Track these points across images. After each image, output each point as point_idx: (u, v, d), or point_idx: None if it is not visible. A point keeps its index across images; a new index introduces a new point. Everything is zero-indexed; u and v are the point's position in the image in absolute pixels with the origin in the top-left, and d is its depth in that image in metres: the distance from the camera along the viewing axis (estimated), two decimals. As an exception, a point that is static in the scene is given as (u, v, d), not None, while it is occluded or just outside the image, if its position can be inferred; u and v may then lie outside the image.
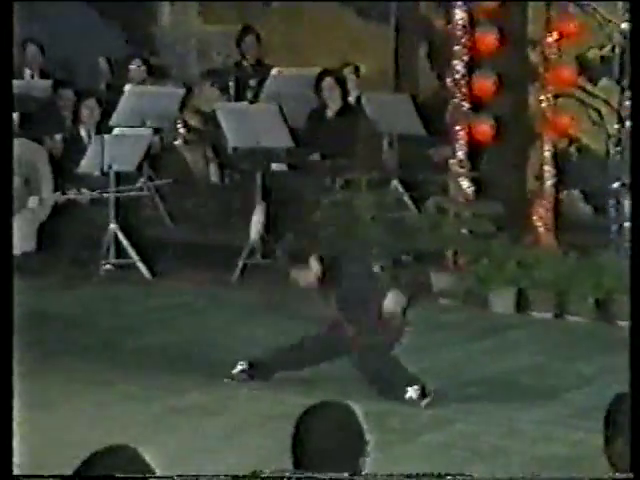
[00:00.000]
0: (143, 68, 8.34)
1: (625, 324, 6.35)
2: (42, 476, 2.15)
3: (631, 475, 2.47)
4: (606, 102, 6.91)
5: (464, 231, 7.05)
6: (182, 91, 8.12)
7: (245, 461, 3.85)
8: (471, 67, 7.12)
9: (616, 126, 6.85)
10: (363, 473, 2.47)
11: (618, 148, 6.82)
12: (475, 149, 7.20)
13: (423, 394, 5.09)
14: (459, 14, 7.10)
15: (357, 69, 8.19)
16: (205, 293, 6.88)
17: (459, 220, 7.07)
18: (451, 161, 7.25)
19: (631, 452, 2.55)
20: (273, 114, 7.45)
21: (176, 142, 8.20)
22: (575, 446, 4.61)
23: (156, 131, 7.89)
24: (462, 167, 7.20)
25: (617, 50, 6.83)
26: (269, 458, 3.52)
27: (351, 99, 8.04)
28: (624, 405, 2.63)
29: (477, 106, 7.18)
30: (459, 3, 7.09)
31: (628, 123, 6.76)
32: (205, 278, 7.10)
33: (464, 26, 7.09)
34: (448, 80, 7.24)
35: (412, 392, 5.09)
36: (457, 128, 7.17)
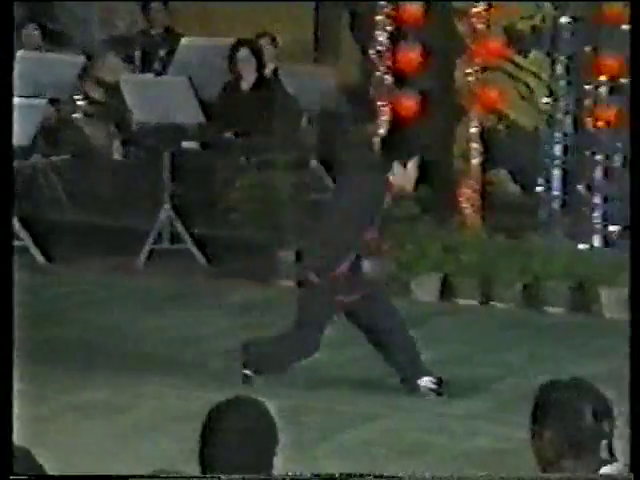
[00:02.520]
0: (38, 33, 8.13)
1: (554, 310, 6.45)
2: (42, 476, 2.10)
3: (631, 475, 2.45)
4: (536, 75, 6.96)
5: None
6: (82, 59, 7.93)
7: (148, 462, 3.77)
8: (395, 38, 7.12)
9: (546, 100, 6.92)
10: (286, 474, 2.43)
11: (548, 124, 6.88)
12: (399, 126, 7.20)
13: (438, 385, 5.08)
14: (381, -19, 7.08)
15: (274, 40, 8.12)
16: (107, 281, 6.75)
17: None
18: (375, 139, 7.24)
19: (631, 452, 2.56)
20: (183, 87, 7.34)
21: (75, 115, 8.02)
22: (500, 440, 4.64)
23: (52, 102, 7.69)
24: (386, 145, 7.20)
25: (548, 20, 6.89)
26: (175, 459, 3.44)
27: (268, 72, 7.97)
28: (550, 395, 2.63)
29: (401, 80, 7.18)
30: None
31: (559, 95, 6.82)
32: (107, 265, 6.96)
33: (387, -6, 7.08)
34: (371, 52, 7.23)
35: (427, 382, 5.07)
36: (380, 103, 7.16)
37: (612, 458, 2.59)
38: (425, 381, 5.10)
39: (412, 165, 5.28)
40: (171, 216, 7.31)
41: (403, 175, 5.27)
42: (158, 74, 7.87)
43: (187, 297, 6.59)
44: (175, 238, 7.29)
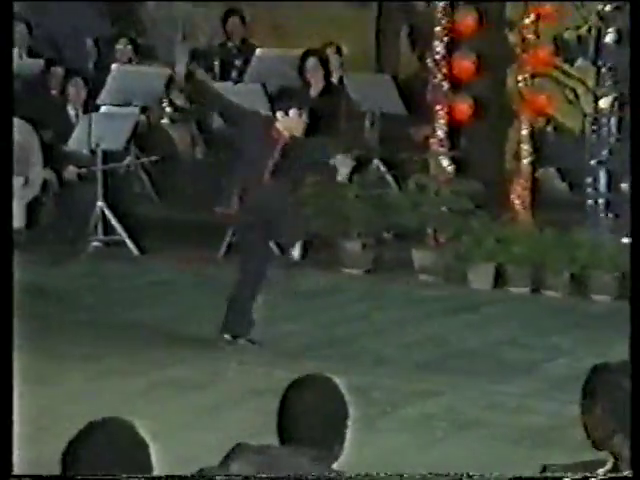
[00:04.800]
0: (130, 48, 8.26)
1: (600, 298, 6.41)
2: (42, 476, 2.11)
3: (631, 475, 2.42)
4: (582, 82, 6.91)
5: (444, 209, 7.05)
6: (168, 71, 8.05)
7: (231, 435, 3.84)
8: (451, 48, 7.10)
9: (592, 105, 6.86)
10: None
11: (594, 127, 6.82)
12: (455, 128, 7.19)
13: None
14: (439, -5, 7.07)
15: (339, 50, 8.15)
16: (191, 270, 6.86)
17: (439, 198, 7.07)
18: (431, 140, 7.24)
19: (631, 452, 2.51)
20: (257, 93, 7.41)
21: (162, 120, 8.14)
22: (552, 417, 4.63)
23: (143, 110, 7.83)
24: (442, 146, 7.20)
25: (593, 31, 6.83)
26: (255, 432, 3.51)
27: (334, 79, 8.00)
28: (601, 375, 2.64)
29: (457, 86, 7.17)
30: (440, -14, 7.07)
31: (601, 103, 6.77)
32: (191, 256, 7.07)
33: (444, 8, 7.07)
34: (428, 61, 7.22)
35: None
36: (437, 108, 7.15)
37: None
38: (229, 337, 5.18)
39: (294, 112, 5.27)
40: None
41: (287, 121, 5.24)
42: (235, 82, 7.94)
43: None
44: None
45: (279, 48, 8.09)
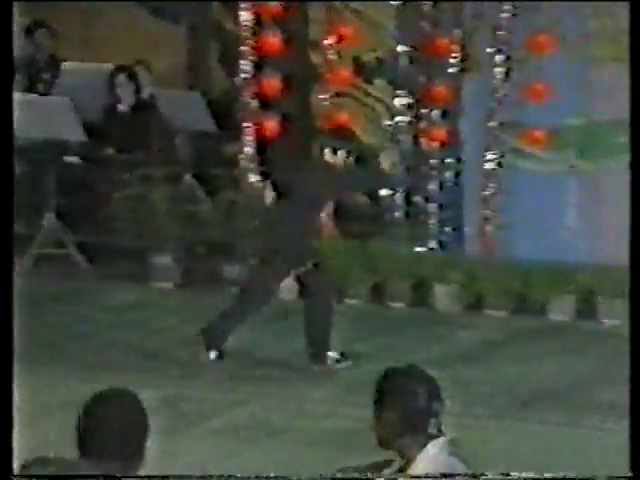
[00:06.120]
0: None
1: (397, 305, 6.60)
2: (42, 476, 1.95)
3: (631, 475, 2.40)
4: (380, 100, 7.13)
5: (254, 223, 7.08)
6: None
7: (30, 448, 3.67)
8: (259, 67, 7.15)
9: (388, 122, 7.07)
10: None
11: (390, 143, 7.05)
12: (263, 145, 7.25)
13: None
14: (245, 15, 7.11)
15: (149, 67, 8.05)
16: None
17: (249, 213, 7.09)
18: (241, 156, 7.26)
19: (631, 452, 2.51)
20: (65, 107, 7.19)
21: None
22: (353, 421, 4.71)
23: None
24: (251, 162, 7.23)
25: (390, 53, 7.06)
26: (55, 445, 3.37)
27: (144, 96, 7.88)
28: (389, 381, 2.69)
29: (265, 104, 7.22)
30: (245, 5, 7.10)
31: (399, 118, 7.02)
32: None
33: (250, 27, 7.11)
34: (237, 79, 7.25)
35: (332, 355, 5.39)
36: (246, 125, 7.18)
37: (440, 433, 2.67)
38: (331, 355, 5.41)
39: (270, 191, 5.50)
40: (55, 223, 7.16)
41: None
42: (42, 95, 7.69)
43: (70, 297, 6.47)
44: (61, 244, 7.16)
45: (89, 63, 7.89)
